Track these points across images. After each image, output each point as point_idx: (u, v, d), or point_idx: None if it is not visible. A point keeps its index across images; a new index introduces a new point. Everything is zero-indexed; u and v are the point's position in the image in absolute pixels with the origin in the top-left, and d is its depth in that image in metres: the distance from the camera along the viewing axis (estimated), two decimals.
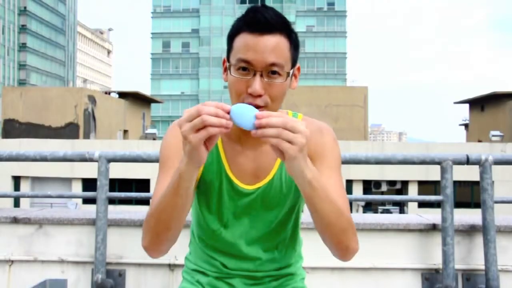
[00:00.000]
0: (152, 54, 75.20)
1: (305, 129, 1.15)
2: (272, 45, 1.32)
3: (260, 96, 1.33)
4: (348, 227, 1.32)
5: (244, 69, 1.33)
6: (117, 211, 3.31)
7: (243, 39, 1.33)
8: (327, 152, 1.45)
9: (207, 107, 1.13)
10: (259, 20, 1.32)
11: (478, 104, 34.96)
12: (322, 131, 1.48)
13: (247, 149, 1.47)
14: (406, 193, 22.33)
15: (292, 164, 1.17)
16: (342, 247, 1.34)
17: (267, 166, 1.46)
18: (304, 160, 1.18)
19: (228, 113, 1.15)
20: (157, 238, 1.33)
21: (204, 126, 1.12)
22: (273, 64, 1.32)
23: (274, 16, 1.33)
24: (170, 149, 1.43)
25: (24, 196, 3.58)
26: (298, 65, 1.42)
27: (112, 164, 3.04)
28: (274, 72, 1.33)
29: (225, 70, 1.42)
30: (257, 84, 1.31)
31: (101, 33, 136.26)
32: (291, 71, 1.37)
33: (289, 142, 1.13)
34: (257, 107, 1.32)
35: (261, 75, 1.32)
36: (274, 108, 1.36)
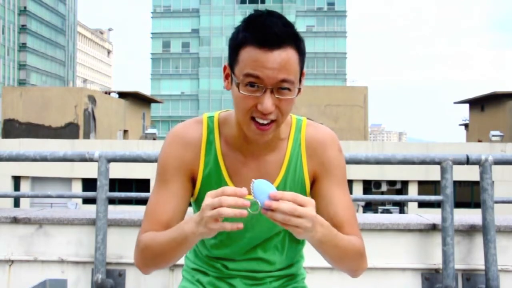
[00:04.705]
0: (152, 54, 75.16)
1: (312, 214, 1.17)
2: (282, 61, 1.26)
3: (270, 113, 1.30)
4: (358, 258, 1.39)
5: (252, 85, 1.28)
6: (117, 211, 3.32)
7: (251, 54, 1.27)
8: (334, 169, 1.45)
9: (228, 199, 1.14)
10: (268, 34, 1.26)
11: (478, 104, 34.95)
12: (325, 145, 1.45)
13: (250, 159, 1.43)
14: (406, 193, 22.31)
15: (298, 236, 1.21)
16: (352, 272, 1.44)
17: (271, 176, 1.43)
18: (310, 233, 1.20)
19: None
20: (153, 267, 1.38)
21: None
22: (283, 81, 1.27)
23: (282, 26, 1.27)
24: (168, 163, 1.42)
25: (24, 196, 3.58)
26: (303, 70, 1.37)
27: (112, 164, 3.04)
28: (284, 88, 1.29)
29: (227, 77, 1.37)
30: (268, 102, 1.27)
31: (101, 33, 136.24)
32: (300, 85, 1.34)
33: (296, 226, 1.16)
34: (267, 124, 1.31)
35: (271, 91, 1.28)
36: (282, 121, 1.34)
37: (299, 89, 1.33)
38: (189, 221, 1.24)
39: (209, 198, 1.17)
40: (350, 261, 1.37)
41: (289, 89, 1.29)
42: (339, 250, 1.31)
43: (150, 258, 1.35)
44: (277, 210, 1.15)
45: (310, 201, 1.18)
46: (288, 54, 1.27)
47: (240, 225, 1.17)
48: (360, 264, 1.40)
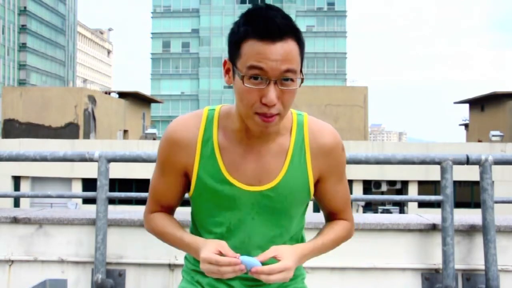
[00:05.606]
0: (152, 54, 75.14)
1: (291, 274, 1.37)
2: (285, 53, 1.28)
3: (274, 105, 1.31)
4: (342, 242, 1.58)
5: (256, 77, 1.29)
6: (117, 211, 3.31)
7: (254, 47, 1.28)
8: (337, 168, 1.50)
9: (227, 269, 1.34)
10: (270, 27, 1.27)
11: (478, 104, 34.94)
12: (331, 146, 1.48)
13: (249, 152, 1.43)
14: (406, 193, 22.31)
15: None
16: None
17: (273, 169, 1.43)
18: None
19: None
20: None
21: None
22: (287, 71, 1.29)
23: (282, 19, 1.29)
24: (163, 160, 1.49)
25: (24, 196, 3.58)
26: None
27: (112, 164, 3.04)
28: (287, 79, 1.30)
29: (227, 72, 1.38)
30: (272, 94, 1.29)
31: (101, 33, 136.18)
32: (303, 75, 1.35)
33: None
34: (271, 116, 1.32)
35: (275, 83, 1.29)
36: (285, 114, 1.36)
37: (302, 80, 1.35)
38: (196, 252, 1.43)
39: (206, 264, 1.34)
40: (335, 248, 1.58)
41: (292, 80, 1.31)
42: (325, 252, 1.53)
43: (159, 239, 1.57)
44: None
45: (285, 267, 1.35)
46: (289, 46, 1.30)
47: (243, 270, 1.34)
48: (344, 242, 1.60)
